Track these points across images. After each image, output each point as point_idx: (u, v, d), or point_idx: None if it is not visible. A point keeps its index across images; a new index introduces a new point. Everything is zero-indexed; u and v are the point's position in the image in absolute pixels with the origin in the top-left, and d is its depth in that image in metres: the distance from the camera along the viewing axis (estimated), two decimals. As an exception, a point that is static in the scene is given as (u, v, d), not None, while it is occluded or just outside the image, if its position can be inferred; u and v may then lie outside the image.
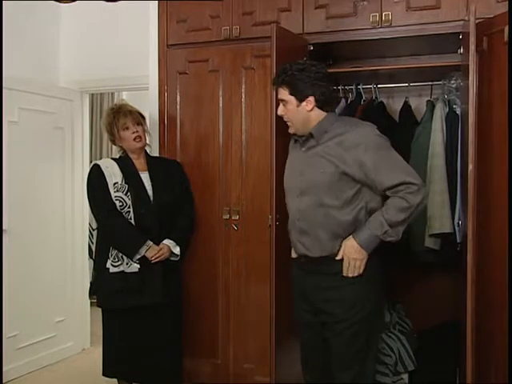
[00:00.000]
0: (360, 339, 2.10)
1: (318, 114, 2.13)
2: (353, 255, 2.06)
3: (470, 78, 2.17)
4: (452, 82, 2.73)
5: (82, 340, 3.93)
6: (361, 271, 2.07)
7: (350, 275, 2.07)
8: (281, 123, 2.43)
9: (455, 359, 2.55)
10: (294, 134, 2.23)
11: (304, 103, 2.12)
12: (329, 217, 2.09)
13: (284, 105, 2.16)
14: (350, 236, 2.07)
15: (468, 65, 2.17)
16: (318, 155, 2.12)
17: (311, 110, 2.12)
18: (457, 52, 2.53)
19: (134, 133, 2.77)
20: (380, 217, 2.04)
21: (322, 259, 2.13)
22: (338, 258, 2.09)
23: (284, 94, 2.14)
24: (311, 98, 2.10)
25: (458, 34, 2.46)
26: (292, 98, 2.13)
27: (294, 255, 2.29)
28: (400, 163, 2.08)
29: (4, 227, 3.23)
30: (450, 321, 2.84)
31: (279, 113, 2.19)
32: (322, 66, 2.14)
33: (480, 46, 2.29)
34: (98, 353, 2.97)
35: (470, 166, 2.21)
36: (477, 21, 2.19)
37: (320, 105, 2.12)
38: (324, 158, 2.09)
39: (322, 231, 2.11)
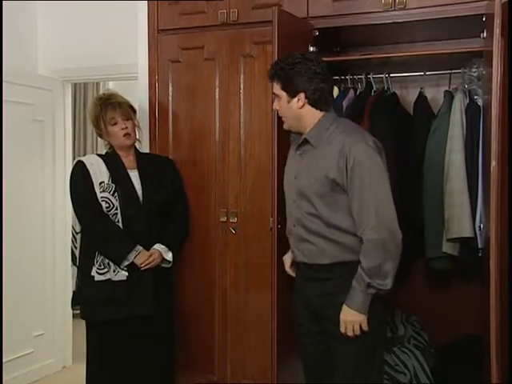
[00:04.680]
0: (364, 347, 2.13)
1: (311, 113, 2.20)
2: (347, 318, 2.10)
3: (494, 65, 2.14)
4: (473, 70, 2.70)
5: (64, 356, 3.90)
6: (360, 331, 2.09)
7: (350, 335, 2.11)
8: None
9: (478, 377, 2.53)
10: (289, 131, 2.30)
11: (295, 99, 2.18)
12: (323, 225, 2.16)
13: (278, 100, 2.24)
14: None
15: (492, 51, 2.15)
16: (311, 161, 2.19)
17: (302, 108, 2.19)
18: (479, 36, 2.51)
19: (122, 129, 2.76)
20: (359, 269, 2.07)
21: (321, 266, 2.18)
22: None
23: (276, 88, 2.22)
24: (302, 95, 2.17)
25: (481, 15, 2.43)
26: (283, 94, 2.20)
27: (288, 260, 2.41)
28: (375, 195, 2.07)
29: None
30: (471, 335, 2.83)
31: (274, 107, 2.27)
32: (318, 62, 2.18)
33: (506, 30, 2.25)
34: (81, 370, 2.95)
35: (494, 163, 2.19)
36: (503, 0, 2.15)
37: (312, 102, 2.18)
38: (316, 165, 2.17)
39: (318, 239, 2.18)
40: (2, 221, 3.13)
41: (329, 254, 2.15)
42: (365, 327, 2.09)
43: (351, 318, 2.09)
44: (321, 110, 2.20)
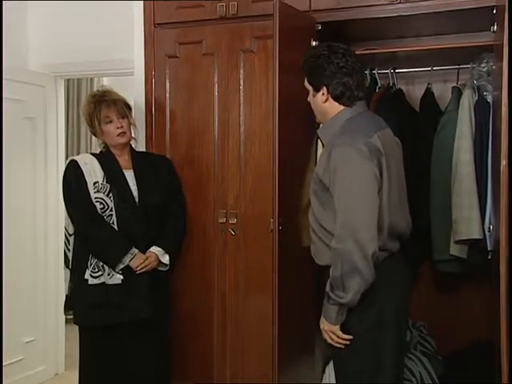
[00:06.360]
0: (363, 353, 2.11)
1: (335, 107, 2.20)
2: (320, 325, 2.14)
3: (505, 60, 2.13)
4: (482, 65, 2.70)
5: (56, 363, 3.90)
6: (339, 339, 2.09)
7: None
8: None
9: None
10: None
11: (320, 93, 2.20)
12: (318, 225, 2.18)
13: (309, 93, 2.27)
14: None
15: (502, 44, 2.14)
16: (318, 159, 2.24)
17: (326, 102, 2.20)
18: (489, 30, 2.49)
19: (118, 128, 2.76)
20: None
21: (323, 268, 2.19)
22: None
23: (305, 81, 2.26)
24: (325, 89, 2.18)
25: (492, 7, 2.42)
26: (310, 87, 2.24)
27: None
28: (346, 202, 2.01)
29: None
30: (480, 342, 2.82)
31: (308, 100, 2.29)
32: (343, 55, 2.17)
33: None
34: (73, 378, 2.95)
35: (503, 162, 2.18)
36: (514, -9, 2.16)
37: (335, 97, 2.18)
38: (317, 162, 2.21)
39: (317, 239, 2.21)
40: (2, 221, 3.13)
41: (323, 255, 2.17)
42: (338, 337, 2.09)
43: (322, 326, 2.13)
44: (344, 105, 2.19)
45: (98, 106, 2.75)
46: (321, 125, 2.32)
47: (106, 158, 2.79)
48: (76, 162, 2.75)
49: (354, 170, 2.01)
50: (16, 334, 3.57)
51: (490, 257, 2.59)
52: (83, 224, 2.71)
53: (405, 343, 2.35)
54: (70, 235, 2.79)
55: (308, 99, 2.27)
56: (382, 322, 2.12)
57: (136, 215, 2.72)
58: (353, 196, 2.01)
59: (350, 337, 2.09)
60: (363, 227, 1.98)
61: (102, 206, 2.68)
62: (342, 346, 2.11)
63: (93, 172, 2.72)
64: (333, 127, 2.17)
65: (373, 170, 2.02)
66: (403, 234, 2.24)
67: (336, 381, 2.28)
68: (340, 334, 2.09)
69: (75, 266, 2.76)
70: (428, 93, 2.94)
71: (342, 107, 2.18)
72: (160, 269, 2.80)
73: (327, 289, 2.05)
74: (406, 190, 2.28)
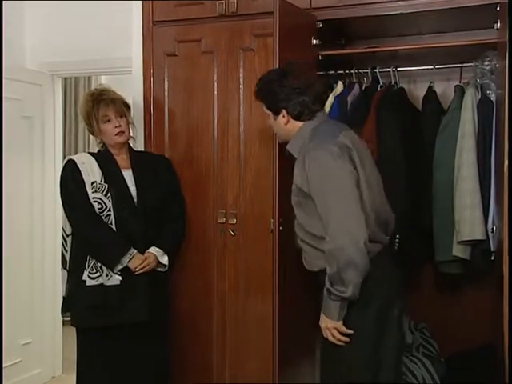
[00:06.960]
0: (361, 352, 2.16)
1: (297, 126, 2.30)
2: (321, 324, 2.21)
3: (508, 58, 2.14)
4: (486, 63, 2.69)
5: (53, 366, 3.90)
6: (340, 336, 2.15)
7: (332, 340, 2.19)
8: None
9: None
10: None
11: (280, 116, 2.30)
12: (305, 233, 2.27)
13: (269, 117, 2.37)
14: None
15: (506, 42, 2.14)
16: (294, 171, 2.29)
17: (288, 123, 2.30)
18: (493, 27, 2.50)
19: (116, 127, 2.75)
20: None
21: (316, 273, 2.27)
22: None
23: (263, 107, 2.37)
24: (284, 112, 2.28)
25: (495, 5, 2.41)
26: (269, 112, 2.35)
27: None
28: (330, 201, 2.11)
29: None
30: (483, 343, 2.81)
31: (269, 124, 2.41)
32: (295, 76, 2.25)
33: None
34: (71, 381, 2.95)
35: (506, 162, 2.18)
36: (519, -13, 2.15)
37: (295, 117, 2.29)
38: (294, 174, 2.27)
39: (306, 246, 2.29)
40: (2, 222, 3.12)
41: (316, 261, 2.23)
42: (341, 333, 2.14)
43: (323, 324, 2.18)
44: (305, 121, 2.29)
45: (96, 105, 2.75)
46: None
47: (104, 158, 2.79)
48: (73, 161, 2.74)
49: (329, 172, 2.12)
50: (13, 336, 3.56)
51: (493, 258, 2.58)
52: (81, 224, 2.71)
53: (403, 338, 2.43)
54: (68, 236, 2.79)
55: (270, 123, 2.37)
56: (379, 317, 2.18)
57: (135, 215, 2.72)
58: (333, 196, 2.11)
59: (351, 331, 2.14)
60: (350, 221, 2.08)
61: (100, 206, 2.68)
62: (343, 344, 2.15)
63: (91, 172, 2.72)
64: (300, 139, 2.27)
65: (347, 166, 2.13)
66: (389, 222, 2.33)
67: (323, 376, 2.34)
68: (344, 329, 2.14)
69: (73, 267, 2.76)
70: (430, 91, 2.93)
71: (303, 123, 2.28)
72: (159, 269, 2.79)
73: (327, 285, 2.11)
74: (382, 185, 2.34)
